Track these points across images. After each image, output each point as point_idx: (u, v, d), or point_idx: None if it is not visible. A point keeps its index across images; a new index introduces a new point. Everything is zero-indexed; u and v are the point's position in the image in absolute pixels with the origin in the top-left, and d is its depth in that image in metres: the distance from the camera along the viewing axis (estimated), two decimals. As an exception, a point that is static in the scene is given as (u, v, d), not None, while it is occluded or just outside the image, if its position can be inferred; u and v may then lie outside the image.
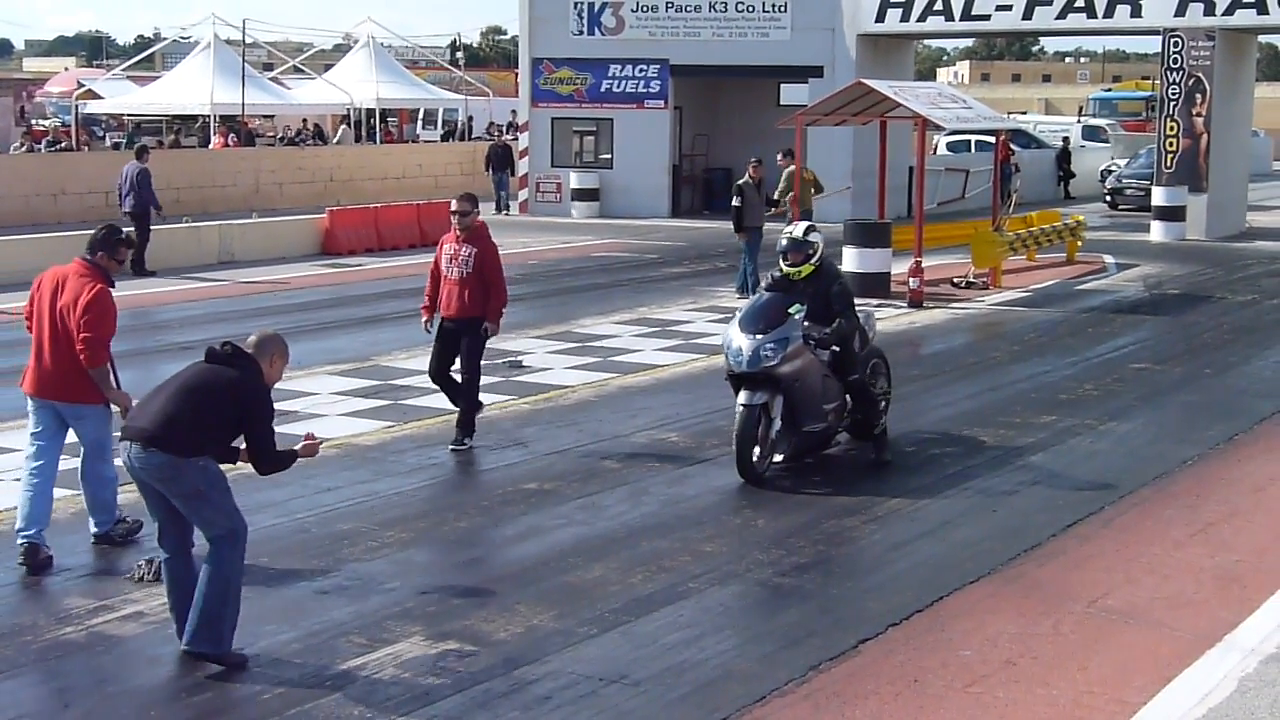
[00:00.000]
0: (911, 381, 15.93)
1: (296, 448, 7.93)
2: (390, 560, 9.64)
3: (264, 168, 37.82)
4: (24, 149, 40.29)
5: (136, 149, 27.35)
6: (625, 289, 23.19)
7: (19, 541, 9.37)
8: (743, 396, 11.28)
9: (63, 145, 41.29)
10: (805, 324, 11.55)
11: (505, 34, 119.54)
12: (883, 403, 12.54)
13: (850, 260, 21.84)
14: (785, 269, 11.87)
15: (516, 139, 39.00)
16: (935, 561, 9.72)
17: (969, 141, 40.69)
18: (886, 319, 20.01)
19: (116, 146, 41.27)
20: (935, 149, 40.91)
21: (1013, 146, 35.30)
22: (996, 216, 25.30)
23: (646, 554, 9.76)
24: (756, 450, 11.30)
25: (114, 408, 9.52)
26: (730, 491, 11.25)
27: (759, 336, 11.29)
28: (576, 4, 36.39)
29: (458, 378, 12.47)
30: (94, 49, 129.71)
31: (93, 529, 9.88)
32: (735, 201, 21.51)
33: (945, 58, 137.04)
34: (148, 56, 67.15)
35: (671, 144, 36.65)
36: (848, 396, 12.05)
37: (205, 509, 7.55)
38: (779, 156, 23.43)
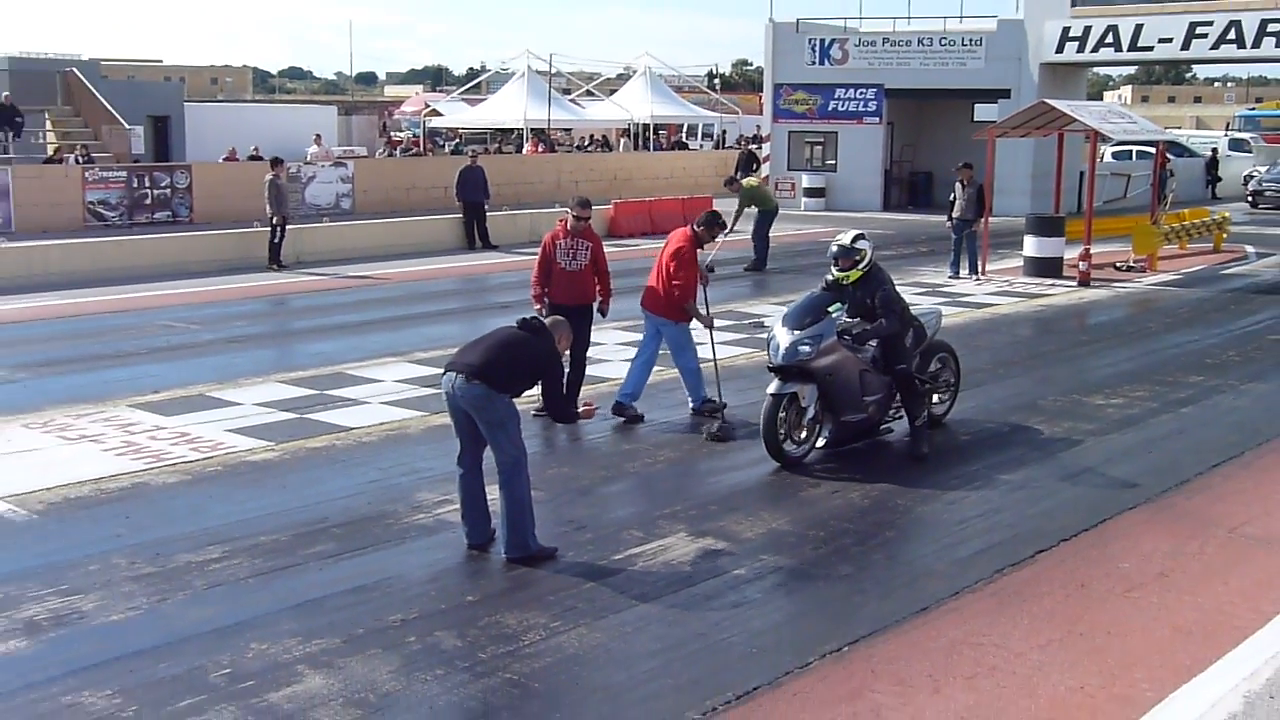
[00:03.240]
0: (1080, 346, 15.47)
1: (579, 410, 8.34)
2: (662, 473, 9.76)
3: (564, 169, 38.38)
4: (385, 154, 41.69)
5: (470, 154, 28.07)
6: (845, 267, 22.82)
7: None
8: (771, 386, 9.91)
9: (414, 151, 42.52)
10: (854, 321, 10.15)
11: (751, 65, 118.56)
12: (945, 394, 11.26)
13: (1030, 246, 21.27)
14: (835, 274, 10.29)
15: (760, 147, 38.76)
16: (1098, 491, 9.39)
17: (1130, 151, 38.96)
18: (1059, 295, 19.41)
19: (454, 153, 42.34)
20: (1102, 157, 39.23)
21: (1169, 155, 33.66)
22: (1155, 212, 24.29)
23: (866, 474, 9.68)
24: (789, 435, 9.90)
25: (694, 323, 11.14)
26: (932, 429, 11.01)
27: (797, 333, 9.86)
28: (810, 40, 35.93)
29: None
30: (436, 78, 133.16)
31: (690, 405, 11.29)
32: (951, 197, 21.02)
33: (1110, 83, 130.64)
34: (476, 84, 68.56)
35: (884, 152, 35.98)
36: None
37: (501, 436, 7.62)
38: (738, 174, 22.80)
